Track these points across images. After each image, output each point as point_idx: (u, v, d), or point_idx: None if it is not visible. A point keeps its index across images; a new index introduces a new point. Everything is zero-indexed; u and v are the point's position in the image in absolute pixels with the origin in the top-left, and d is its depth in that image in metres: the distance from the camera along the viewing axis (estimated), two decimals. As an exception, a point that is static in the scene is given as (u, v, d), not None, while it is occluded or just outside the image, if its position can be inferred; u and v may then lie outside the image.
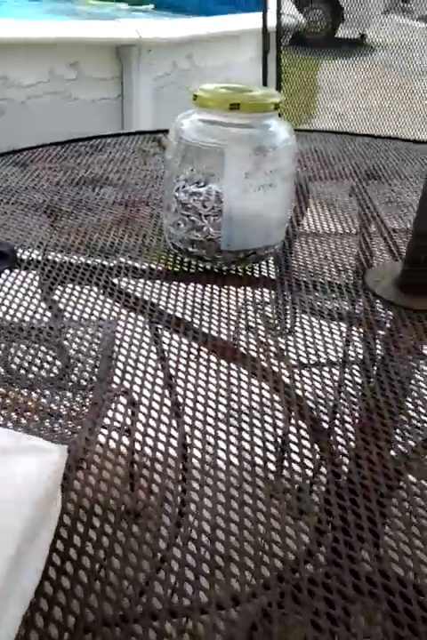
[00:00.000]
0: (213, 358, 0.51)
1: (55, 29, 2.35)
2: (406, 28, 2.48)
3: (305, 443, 0.43)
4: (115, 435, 0.42)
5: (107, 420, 0.43)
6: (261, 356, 0.52)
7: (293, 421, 0.45)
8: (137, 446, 0.41)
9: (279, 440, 0.43)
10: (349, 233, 0.77)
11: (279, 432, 0.43)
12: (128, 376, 0.48)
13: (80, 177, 0.88)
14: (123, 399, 0.46)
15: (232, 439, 0.42)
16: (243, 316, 0.58)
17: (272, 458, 0.41)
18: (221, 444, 0.42)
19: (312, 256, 0.70)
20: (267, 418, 0.44)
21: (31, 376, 0.48)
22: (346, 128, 2.37)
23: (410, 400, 0.48)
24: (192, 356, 0.51)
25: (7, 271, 0.62)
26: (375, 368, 0.52)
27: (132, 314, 0.56)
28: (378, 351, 0.55)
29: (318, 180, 0.94)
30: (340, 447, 0.43)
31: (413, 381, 0.51)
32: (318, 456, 0.42)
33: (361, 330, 0.58)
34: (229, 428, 0.43)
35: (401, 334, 0.57)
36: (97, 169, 0.91)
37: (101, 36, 2.46)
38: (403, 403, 0.48)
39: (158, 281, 0.62)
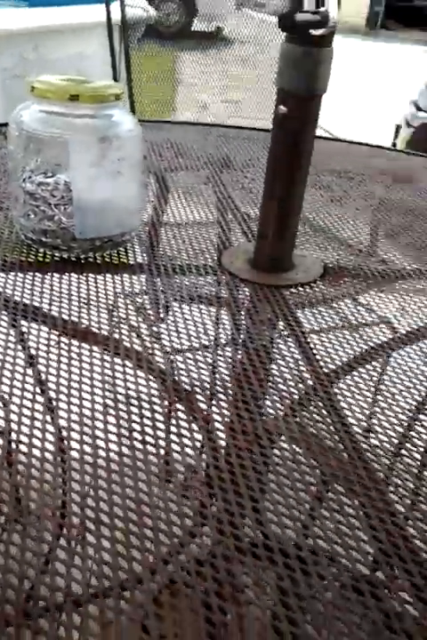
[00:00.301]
0: (75, 344, 0.53)
1: None
2: (260, 21, 2.63)
3: (184, 424, 0.46)
4: (-27, 424, 0.44)
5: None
6: (127, 339, 0.55)
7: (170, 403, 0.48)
8: (23, 448, 0.42)
9: (159, 425, 0.46)
10: (207, 221, 0.82)
11: (159, 417, 0.47)
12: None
13: None
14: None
15: (110, 428, 0.45)
16: (105, 301, 0.61)
17: (152, 441, 0.44)
18: (99, 434, 0.44)
19: (172, 243, 0.74)
20: (144, 404, 0.47)
21: None
22: (208, 120, 2.47)
23: (274, 369, 0.54)
24: (53, 343, 0.53)
25: None
26: (236, 343, 0.58)
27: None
28: (239, 327, 0.61)
29: (175, 170, 0.99)
30: (216, 424, 0.47)
31: (274, 351, 0.57)
32: (199, 435, 0.45)
33: (220, 308, 0.63)
34: (106, 417, 0.45)
35: (257, 308, 0.62)
36: None
37: None
38: (268, 371, 0.53)
39: (13, 273, 0.63)
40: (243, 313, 0.62)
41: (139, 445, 0.43)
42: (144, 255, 0.70)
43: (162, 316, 0.61)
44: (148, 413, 0.46)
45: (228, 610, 0.33)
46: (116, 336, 0.55)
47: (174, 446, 0.44)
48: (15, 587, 0.33)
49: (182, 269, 0.68)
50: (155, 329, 0.58)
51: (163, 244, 0.74)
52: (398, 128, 2.75)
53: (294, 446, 0.45)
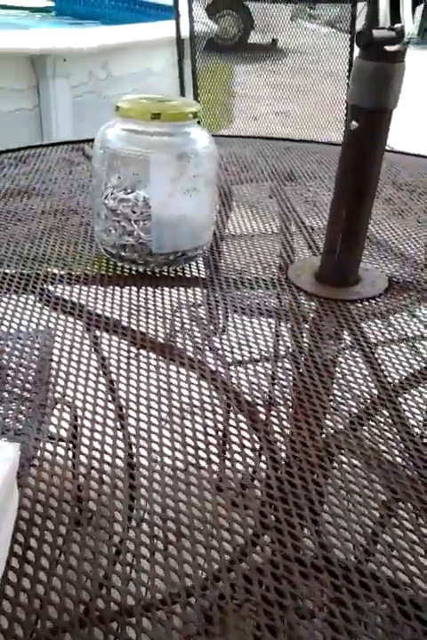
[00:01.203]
0: (152, 358, 0.54)
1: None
2: (313, 32, 2.60)
3: (244, 434, 0.46)
4: (63, 433, 0.44)
5: (52, 423, 0.46)
6: (198, 354, 0.55)
7: (232, 415, 0.48)
8: (84, 450, 0.43)
9: (221, 434, 0.46)
10: (271, 232, 0.82)
11: (220, 426, 0.46)
12: (71, 381, 0.50)
13: (6, 189, 0.88)
14: (65, 405, 0.48)
15: (176, 436, 0.45)
16: (177, 315, 0.61)
17: (215, 451, 0.44)
18: (166, 442, 0.44)
19: (239, 255, 0.74)
20: (208, 414, 0.47)
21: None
22: (262, 131, 2.45)
23: (336, 383, 0.53)
24: (132, 357, 0.54)
25: None
26: (302, 356, 0.57)
27: (71, 319, 0.59)
28: (304, 340, 0.60)
29: (239, 184, 0.99)
30: (276, 435, 0.46)
31: (338, 366, 0.56)
32: (257, 445, 0.45)
33: (288, 322, 0.62)
34: (172, 426, 0.46)
35: (323, 323, 0.62)
36: (23, 180, 0.92)
37: (14, 46, 2.43)
38: (330, 386, 0.52)
39: (94, 286, 0.64)
40: (309, 326, 0.61)
41: (201, 456, 0.43)
42: (213, 269, 0.70)
43: (226, 328, 0.61)
44: (210, 424, 0.46)
45: (279, 628, 0.33)
46: (186, 349, 0.56)
47: (236, 457, 0.43)
48: (73, 597, 0.33)
49: (249, 283, 0.68)
50: (220, 341, 0.58)
51: (231, 257, 0.74)
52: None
53: (360, 461, 0.44)
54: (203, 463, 0.43)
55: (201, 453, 0.43)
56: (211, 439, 0.45)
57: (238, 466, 0.43)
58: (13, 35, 2.58)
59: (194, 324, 0.60)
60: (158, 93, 0.68)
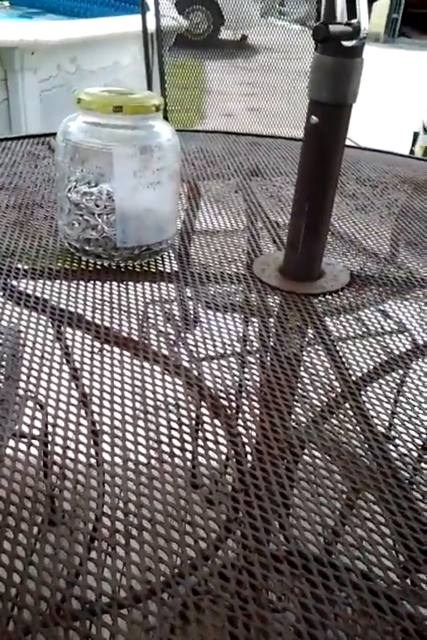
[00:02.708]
0: (117, 352, 0.53)
1: None
2: (284, 30, 2.60)
3: (214, 428, 0.46)
4: (27, 429, 0.44)
5: (22, 422, 0.45)
6: (164, 348, 0.55)
7: (203, 410, 0.48)
8: (57, 449, 0.42)
9: (189, 429, 0.46)
10: (237, 228, 0.82)
11: (186, 421, 0.46)
12: (35, 377, 0.49)
13: (-30, 182, 0.87)
14: (35, 402, 0.47)
15: (140, 431, 0.44)
16: (144, 310, 0.61)
17: (180, 445, 0.44)
18: (130, 437, 0.44)
19: (205, 250, 0.74)
20: (172, 409, 0.47)
21: None
22: (234, 128, 2.45)
23: (301, 376, 0.53)
24: (96, 351, 0.53)
25: None
26: (267, 351, 0.57)
27: (35, 314, 0.58)
28: (269, 335, 0.60)
29: (206, 179, 0.99)
30: (247, 430, 0.46)
31: (301, 360, 0.56)
32: (228, 440, 0.45)
33: (253, 317, 0.62)
34: (136, 422, 0.45)
35: (287, 316, 0.62)
36: (-13, 174, 0.90)
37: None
38: (293, 380, 0.52)
39: (58, 281, 0.63)
40: (274, 320, 0.61)
41: (167, 451, 0.43)
42: (178, 263, 0.70)
43: (194, 323, 0.60)
44: (175, 419, 0.46)
45: (251, 625, 0.33)
46: (152, 344, 0.55)
47: (202, 453, 0.43)
48: (47, 597, 0.33)
49: (215, 277, 0.68)
50: (187, 336, 0.58)
51: (196, 252, 0.73)
52: (416, 135, 2.70)
53: (323, 454, 0.44)
54: (168, 459, 0.42)
55: (165, 448, 0.43)
56: (175, 434, 0.44)
57: (202, 460, 0.43)
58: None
59: (160, 318, 0.59)
60: (126, 87, 0.67)
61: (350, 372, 0.53)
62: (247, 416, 0.47)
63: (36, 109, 2.57)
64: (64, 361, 0.52)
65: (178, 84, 2.22)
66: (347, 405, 0.50)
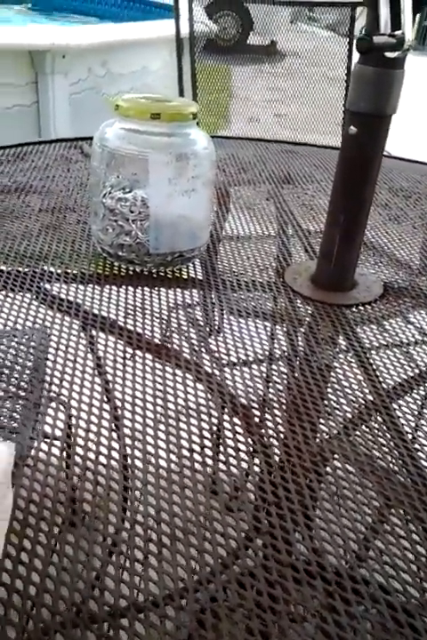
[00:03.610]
0: (148, 359, 0.54)
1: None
2: (312, 35, 2.59)
3: (239, 437, 0.46)
4: (58, 433, 0.44)
5: (47, 423, 0.45)
6: (194, 356, 0.55)
7: (227, 417, 0.48)
8: (79, 450, 0.43)
9: (215, 435, 0.46)
10: (268, 235, 0.82)
11: (215, 429, 0.46)
12: (66, 380, 0.50)
13: (4, 185, 0.88)
14: (60, 404, 0.48)
15: (171, 438, 0.45)
16: (174, 316, 0.61)
17: (210, 453, 0.44)
18: (161, 444, 0.44)
19: (236, 257, 0.74)
20: (203, 416, 0.47)
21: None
22: (260, 133, 2.45)
23: (330, 388, 0.53)
24: (127, 358, 0.53)
25: None
26: (298, 359, 0.57)
27: (67, 318, 0.58)
28: (299, 344, 0.60)
29: (237, 185, 0.99)
30: (271, 439, 0.46)
31: (332, 370, 0.56)
32: (251, 448, 0.45)
33: (284, 325, 0.62)
34: (168, 428, 0.46)
35: (319, 327, 0.62)
36: (20, 177, 0.91)
37: (13, 42, 2.42)
38: (324, 390, 0.52)
39: (90, 285, 0.64)
40: (305, 330, 0.61)
41: (197, 460, 0.43)
42: (210, 270, 0.70)
43: (225, 330, 0.60)
44: (205, 426, 0.46)
45: (271, 633, 0.33)
46: (183, 351, 0.55)
47: (231, 460, 0.43)
48: (65, 597, 0.33)
49: (247, 285, 0.68)
50: (218, 343, 0.58)
51: (228, 259, 0.73)
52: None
53: (356, 468, 0.44)
54: (197, 466, 0.42)
55: (196, 456, 0.43)
56: (205, 442, 0.45)
57: (233, 469, 0.43)
58: (12, 30, 2.57)
59: (190, 325, 0.60)
60: (156, 92, 0.68)
61: (383, 383, 0.53)
62: (279, 425, 0.47)
63: (65, 112, 2.60)
64: (95, 366, 0.52)
65: (206, 88, 2.23)
66: (379, 418, 0.49)
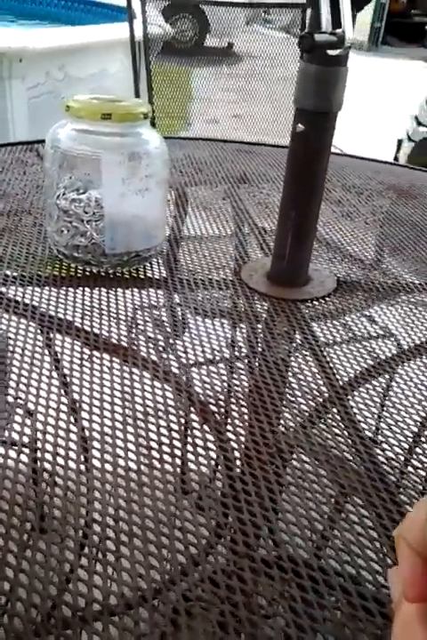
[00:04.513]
0: (106, 359, 0.53)
1: None
2: (268, 37, 2.61)
3: (197, 433, 0.46)
4: (15, 436, 0.43)
5: (8, 428, 0.44)
6: (154, 355, 0.55)
7: (193, 416, 0.48)
8: (39, 454, 0.42)
9: (177, 434, 0.46)
10: (225, 235, 0.82)
11: (175, 427, 0.46)
12: (23, 383, 0.49)
13: (-42, 189, 0.86)
14: (20, 409, 0.47)
15: (130, 437, 0.44)
16: (133, 316, 0.60)
17: (176, 452, 0.44)
18: (120, 443, 0.43)
19: (193, 257, 0.74)
20: (161, 414, 0.47)
21: None
22: (219, 134, 2.45)
23: (289, 381, 0.53)
24: (86, 358, 0.53)
25: None
26: (256, 356, 0.57)
27: (24, 320, 0.57)
28: (257, 340, 0.60)
29: (194, 185, 0.99)
30: (236, 435, 0.46)
31: (289, 365, 0.56)
32: (218, 445, 0.45)
33: (241, 323, 0.62)
34: (126, 428, 0.45)
35: (275, 322, 0.62)
36: (-25, 181, 0.89)
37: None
38: (281, 385, 0.52)
39: (47, 287, 0.63)
40: (262, 326, 0.61)
41: (157, 457, 0.43)
42: (167, 270, 0.70)
43: (183, 329, 0.60)
44: (164, 425, 0.46)
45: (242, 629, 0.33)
46: (140, 350, 0.55)
47: (192, 459, 0.43)
48: (41, 596, 0.33)
49: (204, 284, 0.68)
50: (175, 342, 0.57)
51: (184, 258, 0.73)
52: (400, 142, 2.72)
53: (312, 459, 0.44)
54: (158, 465, 0.42)
55: (155, 454, 0.43)
56: (164, 440, 0.44)
57: (193, 466, 0.42)
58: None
59: (149, 324, 0.59)
60: (114, 95, 0.67)
61: (338, 376, 0.54)
62: (236, 421, 0.47)
63: (23, 117, 2.55)
64: (54, 368, 0.51)
65: (164, 91, 2.22)
66: (334, 410, 0.50)
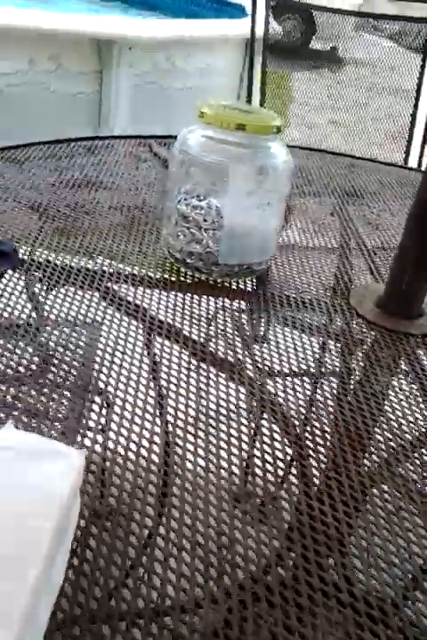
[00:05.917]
0: (203, 368, 0.53)
1: (36, 19, 2.32)
2: (375, 45, 2.54)
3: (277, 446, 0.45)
4: (97, 436, 0.44)
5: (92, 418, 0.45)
6: (245, 365, 0.54)
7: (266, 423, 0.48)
8: (121, 451, 0.43)
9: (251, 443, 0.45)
10: (333, 253, 0.80)
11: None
12: (112, 377, 0.50)
13: (75, 179, 0.88)
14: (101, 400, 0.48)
15: (220, 443, 0.44)
16: (239, 329, 0.60)
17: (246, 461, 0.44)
18: (200, 452, 0.44)
19: (301, 275, 0.72)
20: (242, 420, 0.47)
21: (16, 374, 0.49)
22: (314, 139, 2.41)
23: (384, 417, 0.51)
24: (183, 365, 0.53)
25: (10, 271, 0.62)
26: (353, 383, 0.55)
27: (126, 319, 0.58)
28: (358, 367, 0.58)
29: (302, 197, 0.97)
30: (310, 451, 0.45)
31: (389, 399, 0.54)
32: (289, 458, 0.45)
33: (348, 349, 0.61)
34: (219, 435, 0.45)
35: (383, 353, 0.60)
36: (91, 171, 0.92)
37: (84, 30, 2.43)
38: (377, 418, 0.51)
39: (156, 290, 0.64)
40: (369, 354, 0.60)
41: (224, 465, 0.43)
42: (273, 285, 0.69)
43: (285, 349, 0.59)
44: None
45: None
46: (243, 365, 0.55)
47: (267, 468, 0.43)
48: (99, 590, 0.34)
49: (312, 305, 0.66)
50: (281, 365, 0.56)
51: (292, 275, 0.72)
52: None
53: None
54: (223, 473, 0.42)
55: (223, 463, 0.43)
56: (239, 448, 0.44)
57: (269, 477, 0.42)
58: (83, 19, 2.59)
59: (253, 340, 0.59)
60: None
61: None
62: (319, 440, 0.46)
63: (126, 104, 2.60)
64: (151, 371, 0.52)
65: (271, 92, 2.20)
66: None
